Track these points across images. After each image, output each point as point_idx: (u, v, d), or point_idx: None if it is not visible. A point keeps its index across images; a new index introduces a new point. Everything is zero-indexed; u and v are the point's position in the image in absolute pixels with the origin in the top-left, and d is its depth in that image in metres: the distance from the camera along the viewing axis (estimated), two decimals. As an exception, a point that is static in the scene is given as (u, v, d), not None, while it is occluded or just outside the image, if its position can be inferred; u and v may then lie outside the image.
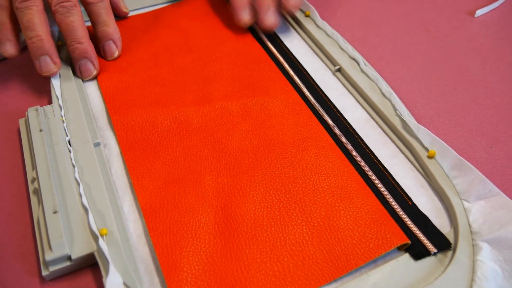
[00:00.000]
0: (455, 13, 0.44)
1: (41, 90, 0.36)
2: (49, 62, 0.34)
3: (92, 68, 0.35)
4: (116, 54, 0.37)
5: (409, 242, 0.26)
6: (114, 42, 0.37)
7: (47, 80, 0.36)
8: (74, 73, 0.36)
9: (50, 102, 0.35)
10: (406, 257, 0.26)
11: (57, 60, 0.34)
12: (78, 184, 0.28)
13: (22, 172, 0.31)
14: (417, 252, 0.26)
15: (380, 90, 0.34)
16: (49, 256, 0.25)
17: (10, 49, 0.34)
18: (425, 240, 0.27)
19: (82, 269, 0.26)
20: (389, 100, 0.33)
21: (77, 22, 0.34)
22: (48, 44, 0.33)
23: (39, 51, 0.33)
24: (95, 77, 0.36)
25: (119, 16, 0.42)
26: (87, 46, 0.35)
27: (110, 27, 0.36)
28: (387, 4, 0.45)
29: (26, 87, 0.36)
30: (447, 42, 0.40)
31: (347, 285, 0.25)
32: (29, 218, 0.28)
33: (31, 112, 0.32)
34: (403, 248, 0.27)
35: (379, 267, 0.26)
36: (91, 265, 0.26)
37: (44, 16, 0.33)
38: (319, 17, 0.40)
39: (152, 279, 0.25)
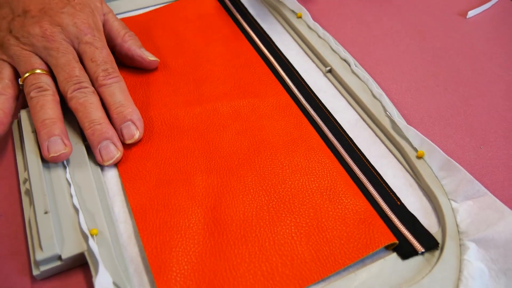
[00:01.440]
0: (447, 14, 0.44)
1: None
2: (60, 143, 0.30)
3: (114, 150, 0.31)
4: (136, 136, 0.32)
5: (397, 241, 0.27)
6: (134, 123, 0.32)
7: None
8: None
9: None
10: (393, 256, 0.27)
11: (68, 142, 0.30)
12: (69, 184, 0.29)
13: (14, 173, 0.31)
14: (405, 251, 0.27)
15: (371, 91, 0.34)
16: (39, 256, 0.25)
17: None
18: (412, 239, 0.27)
19: (73, 268, 0.26)
20: (380, 101, 0.34)
21: (95, 104, 0.31)
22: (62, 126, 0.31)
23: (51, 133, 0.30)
24: (118, 161, 0.31)
25: (149, 68, 0.38)
26: (107, 127, 0.31)
27: (128, 107, 0.32)
28: (379, 5, 0.45)
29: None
30: (438, 43, 0.41)
31: (334, 284, 0.25)
32: (21, 218, 0.29)
33: (23, 113, 0.32)
34: (391, 248, 0.27)
35: (366, 266, 0.26)
36: (82, 265, 0.26)
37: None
38: (311, 19, 0.40)
39: (141, 279, 0.26)
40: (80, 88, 0.31)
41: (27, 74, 0.32)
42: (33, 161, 0.29)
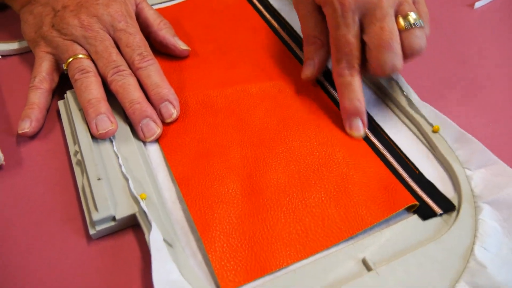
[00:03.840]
0: (454, 5, 0.47)
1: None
2: (107, 121, 0.32)
3: (155, 127, 0.33)
4: (174, 115, 0.34)
5: (417, 203, 0.29)
6: (171, 103, 0.34)
7: None
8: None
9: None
10: (415, 217, 0.29)
11: (114, 119, 0.33)
12: (117, 156, 0.31)
13: (63, 148, 0.34)
14: (425, 213, 0.29)
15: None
16: (96, 216, 0.28)
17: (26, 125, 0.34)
18: (431, 203, 0.30)
19: (124, 229, 0.29)
20: (396, 81, 0.36)
21: (134, 85, 0.34)
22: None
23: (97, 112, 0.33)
24: (158, 137, 0.34)
25: (181, 56, 0.40)
26: (146, 105, 0.33)
27: (164, 87, 0.35)
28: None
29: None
30: (448, 32, 0.44)
31: (362, 241, 0.28)
32: (73, 187, 0.31)
33: (69, 94, 0.35)
34: (412, 210, 0.30)
35: (390, 226, 0.29)
36: (131, 226, 0.29)
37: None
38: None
39: (188, 238, 0.28)
40: (118, 72, 0.34)
41: (70, 59, 0.35)
42: (83, 135, 0.32)
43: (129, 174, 0.30)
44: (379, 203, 0.29)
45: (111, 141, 0.32)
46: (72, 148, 0.32)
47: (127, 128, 0.33)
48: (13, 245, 0.28)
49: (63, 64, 0.36)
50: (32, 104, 0.35)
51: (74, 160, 0.32)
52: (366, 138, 0.34)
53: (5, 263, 0.27)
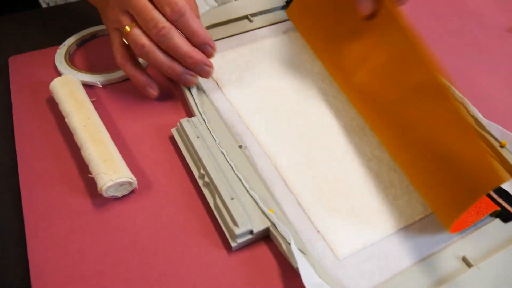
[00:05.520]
0: (498, 30, 0.53)
1: (175, 106, 0.44)
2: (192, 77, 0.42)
3: (210, 69, 0.42)
4: (213, 54, 0.42)
5: (499, 209, 0.35)
6: (209, 45, 0.41)
7: (177, 98, 0.44)
8: (203, 90, 0.44)
9: (187, 115, 0.43)
10: (497, 221, 0.35)
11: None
12: (238, 177, 0.36)
13: (184, 171, 0.38)
14: (505, 216, 0.35)
15: (453, 95, 0.43)
16: (237, 231, 0.33)
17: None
18: (509, 207, 0.36)
19: (257, 241, 0.34)
20: (462, 103, 0.42)
21: (179, 41, 0.39)
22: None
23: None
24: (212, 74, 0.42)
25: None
26: (196, 56, 0.40)
27: (200, 33, 0.40)
28: (437, 23, 0.54)
29: (163, 105, 0.44)
30: (493, 56, 0.50)
31: (459, 242, 0.34)
32: (202, 206, 0.36)
33: (184, 122, 0.40)
34: (494, 215, 0.35)
35: (479, 229, 0.35)
36: (263, 239, 0.34)
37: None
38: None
39: (312, 245, 0.33)
40: (158, 30, 0.38)
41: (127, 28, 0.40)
42: (208, 160, 0.37)
43: (254, 191, 0.35)
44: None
45: (230, 165, 0.37)
46: (196, 172, 0.37)
47: (239, 151, 0.38)
48: (160, 259, 0.33)
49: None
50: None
51: (200, 182, 0.36)
52: None
53: (160, 274, 0.32)
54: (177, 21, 0.39)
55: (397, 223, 0.35)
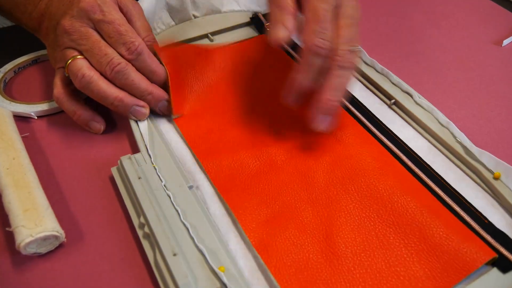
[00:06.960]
0: (483, 43, 0.48)
1: (119, 140, 0.38)
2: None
3: (169, 108, 0.38)
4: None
5: (497, 256, 0.29)
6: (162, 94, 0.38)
7: (123, 131, 0.39)
8: (152, 122, 0.38)
9: (131, 151, 0.37)
10: (495, 271, 0.29)
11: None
12: (186, 227, 0.30)
13: (124, 218, 0.33)
14: (504, 265, 0.29)
15: (437, 120, 0.38)
16: (178, 296, 0.27)
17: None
18: (508, 254, 0.30)
19: (205, 306, 0.28)
20: (447, 128, 0.37)
21: (136, 78, 0.36)
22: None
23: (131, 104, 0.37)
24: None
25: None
26: (157, 92, 0.37)
27: (160, 72, 0.38)
28: (421, 38, 0.49)
29: (105, 139, 0.39)
30: (480, 71, 0.45)
31: (450, 301, 0.28)
32: (142, 261, 0.30)
33: (125, 160, 0.34)
34: (490, 263, 0.30)
35: (473, 282, 0.29)
36: (212, 301, 0.28)
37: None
38: (367, 55, 0.44)
39: (273, 310, 0.28)
40: (114, 66, 0.35)
41: (68, 62, 0.36)
42: (148, 206, 0.31)
43: (202, 245, 0.29)
44: (462, 256, 0.29)
45: (177, 211, 0.31)
46: (136, 220, 0.31)
47: (189, 193, 0.33)
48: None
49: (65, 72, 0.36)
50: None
51: (140, 233, 0.31)
52: (429, 188, 0.34)
53: None
54: (135, 60, 0.36)
55: None
